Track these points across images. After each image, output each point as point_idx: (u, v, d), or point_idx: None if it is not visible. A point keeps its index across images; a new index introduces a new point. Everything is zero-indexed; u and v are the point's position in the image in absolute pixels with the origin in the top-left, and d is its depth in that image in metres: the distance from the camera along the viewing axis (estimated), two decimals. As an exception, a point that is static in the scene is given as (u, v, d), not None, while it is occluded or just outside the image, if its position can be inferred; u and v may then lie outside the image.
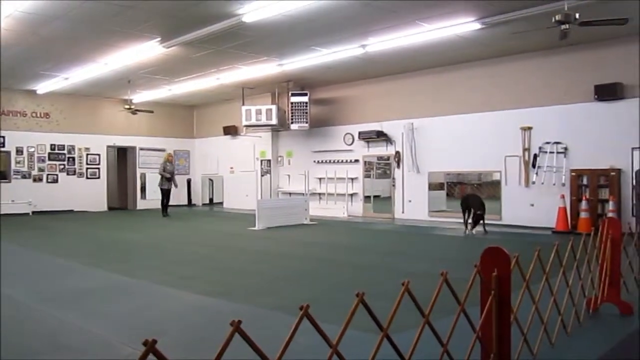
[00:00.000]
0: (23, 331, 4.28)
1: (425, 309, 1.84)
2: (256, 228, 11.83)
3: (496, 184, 12.24)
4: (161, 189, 15.85)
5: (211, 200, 19.99)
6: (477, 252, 2.30)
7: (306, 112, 15.40)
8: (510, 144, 11.77)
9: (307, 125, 15.49)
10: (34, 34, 10.00)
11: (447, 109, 12.95)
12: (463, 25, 9.44)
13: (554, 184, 11.07)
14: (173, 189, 16.02)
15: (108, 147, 18.37)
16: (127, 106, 15.91)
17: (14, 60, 12.15)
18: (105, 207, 18.10)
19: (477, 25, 9.33)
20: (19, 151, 16.46)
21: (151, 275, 6.58)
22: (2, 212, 15.64)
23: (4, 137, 16.08)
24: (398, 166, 14.06)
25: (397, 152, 14.03)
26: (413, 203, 13.74)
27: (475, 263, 2.20)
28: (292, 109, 15.46)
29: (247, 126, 16.22)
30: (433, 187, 13.48)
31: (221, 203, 19.19)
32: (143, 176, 18.75)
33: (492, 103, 12.14)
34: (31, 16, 8.88)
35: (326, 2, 8.24)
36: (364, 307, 1.48)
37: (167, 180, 15.69)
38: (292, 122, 15.54)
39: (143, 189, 18.87)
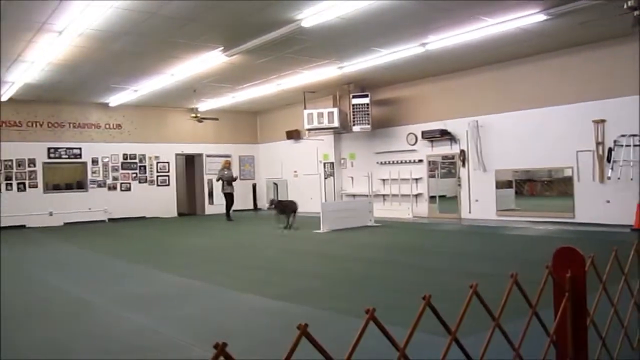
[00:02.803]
0: (97, 333, 4.48)
1: (494, 311, 1.79)
2: (321, 231, 11.89)
3: (567, 181, 11.75)
4: (224, 194, 16.30)
5: (276, 204, 20.24)
6: (548, 253, 2.21)
7: (368, 114, 15.36)
8: (581, 138, 11.26)
9: (369, 126, 15.44)
10: (105, 50, 10.49)
11: (513, 104, 12.56)
12: (527, 18, 9.13)
13: (632, 179, 10.50)
14: (236, 193, 16.37)
15: (176, 154, 19.01)
16: (193, 115, 16.40)
17: (87, 76, 12.81)
18: (175, 213, 18.72)
19: (542, 17, 9.00)
20: (95, 161, 17.29)
21: (218, 279, 6.74)
22: (80, 220, 16.49)
23: (80, 148, 16.94)
24: (463, 165, 13.77)
25: (462, 151, 13.74)
26: (480, 202, 13.40)
27: (547, 264, 2.11)
28: (353, 111, 15.45)
29: (309, 130, 16.35)
30: (500, 185, 13.09)
31: (286, 207, 19.38)
32: (210, 182, 19.25)
33: (560, 96, 11.67)
34: (101, 33, 9.32)
35: (383, 3, 8.19)
36: (430, 310, 1.45)
37: (228, 184, 16.09)
38: (354, 124, 15.53)
39: (210, 194, 19.39)
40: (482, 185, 13.34)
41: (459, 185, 13.88)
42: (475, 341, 1.83)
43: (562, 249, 2.15)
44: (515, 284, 1.79)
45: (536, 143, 12.08)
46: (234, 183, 16.40)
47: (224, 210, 16.40)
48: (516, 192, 12.98)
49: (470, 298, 1.60)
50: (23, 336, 4.52)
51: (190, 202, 20.04)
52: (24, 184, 16.06)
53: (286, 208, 13.15)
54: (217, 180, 16.57)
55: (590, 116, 11.13)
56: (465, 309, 1.58)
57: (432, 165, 14.81)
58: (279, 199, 14.40)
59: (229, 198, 16.26)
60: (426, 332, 2.09)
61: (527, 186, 12.93)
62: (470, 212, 13.63)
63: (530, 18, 9.12)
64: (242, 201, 19.96)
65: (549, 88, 11.87)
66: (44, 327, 4.82)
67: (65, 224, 16.33)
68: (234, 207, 16.44)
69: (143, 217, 17.74)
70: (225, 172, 16.35)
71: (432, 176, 14.81)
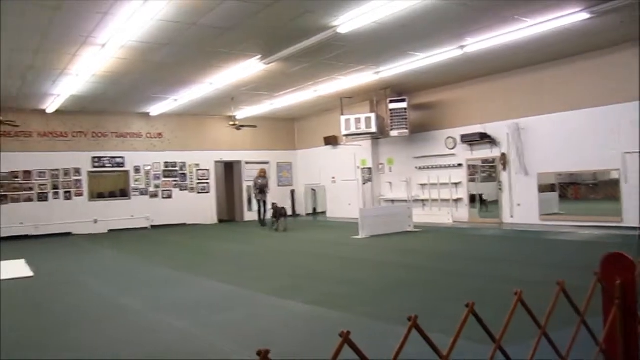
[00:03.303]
0: (143, 339, 4.56)
1: (539, 319, 1.74)
2: (360, 237, 11.85)
3: (614, 184, 11.37)
4: (257, 201, 16.70)
5: (314, 210, 20.31)
6: (594, 258, 2.15)
7: (405, 118, 15.26)
8: (628, 139, 10.89)
9: (407, 131, 15.34)
10: (146, 61, 10.74)
11: (554, 106, 12.27)
12: (568, 17, 8.92)
13: (682, 181, 10.10)
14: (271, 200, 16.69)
15: (216, 162, 19.28)
16: (232, 122, 16.61)
17: (129, 87, 13.14)
18: (215, 220, 18.96)
19: (585, 15, 8.77)
20: (137, 170, 17.70)
21: (258, 284, 6.79)
22: (123, 227, 16.90)
23: (123, 157, 17.37)
24: (504, 168, 13.51)
25: (503, 154, 13.49)
26: (522, 206, 13.12)
27: (595, 270, 2.05)
28: (391, 116, 15.38)
29: (347, 135, 16.35)
30: (543, 189, 12.79)
31: (324, 212, 19.43)
32: (249, 189, 19.44)
33: (606, 96, 11.32)
34: (143, 45, 9.55)
35: (419, 7, 8.13)
36: (474, 318, 1.42)
37: (261, 192, 16.45)
38: (391, 129, 15.46)
39: (249, 201, 19.57)
40: (524, 189, 13.05)
41: (500, 189, 13.63)
42: (520, 350, 1.78)
43: (610, 255, 2.08)
44: (563, 291, 1.74)
45: (580, 145, 11.76)
46: (267, 191, 16.69)
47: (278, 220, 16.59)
48: (560, 196, 12.65)
49: (515, 305, 1.56)
50: (67, 339, 4.64)
51: (229, 209, 20.28)
52: (69, 192, 16.56)
53: (276, 212, 14.90)
54: (253, 186, 16.91)
55: (637, 117, 10.76)
56: (510, 316, 1.54)
57: (472, 169, 14.59)
58: (278, 205, 15.40)
59: (263, 205, 16.55)
60: (468, 339, 2.05)
61: (571, 189, 12.58)
62: (512, 216, 13.36)
63: (572, 17, 8.90)
64: (280, 207, 20.09)
65: (593, 88, 11.54)
66: (88, 330, 4.94)
67: (109, 231, 16.75)
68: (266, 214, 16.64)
69: (184, 224, 18.04)
70: (260, 181, 16.66)
71: (472, 180, 14.59)
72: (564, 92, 12.07)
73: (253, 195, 16.99)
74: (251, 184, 17.78)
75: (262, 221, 16.36)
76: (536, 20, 9.13)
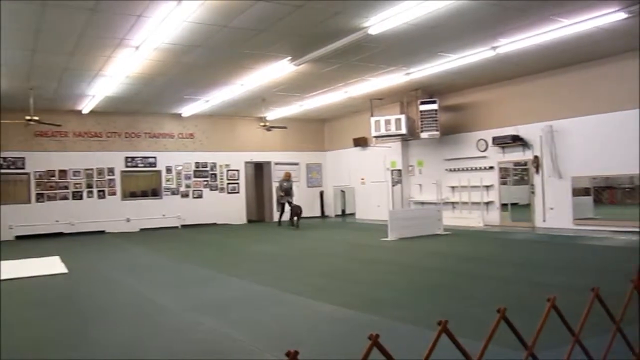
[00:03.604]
0: (175, 336, 4.62)
1: (573, 325, 1.70)
2: (389, 239, 11.78)
3: (652, 188, 11.06)
4: (281, 203, 17.16)
5: (343, 211, 20.28)
6: (630, 265, 2.09)
7: (436, 120, 15.13)
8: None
9: (437, 133, 15.21)
10: (178, 63, 10.89)
11: (589, 108, 12.00)
12: (605, 17, 8.72)
13: None
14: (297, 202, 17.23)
15: (246, 162, 19.43)
16: (262, 123, 16.72)
17: (162, 88, 13.35)
18: (244, 220, 19.11)
19: (622, 15, 8.56)
20: (168, 170, 17.96)
21: (287, 285, 6.81)
22: (155, 226, 17.18)
23: (155, 157, 17.66)
24: (537, 171, 13.27)
25: (536, 157, 13.25)
26: (555, 210, 12.86)
27: (632, 277, 1.99)
28: (421, 118, 15.27)
29: (376, 137, 16.30)
30: (577, 192, 12.52)
31: (353, 214, 19.40)
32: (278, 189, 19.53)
33: (643, 99, 11.02)
34: (175, 47, 9.69)
35: (452, 7, 8.06)
36: (506, 323, 1.40)
37: (286, 194, 16.94)
38: (422, 131, 15.35)
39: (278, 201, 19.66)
40: (557, 193, 12.80)
41: (533, 192, 13.39)
42: (552, 356, 1.75)
43: (648, 261, 2.02)
44: (597, 298, 1.70)
45: (617, 148, 11.46)
46: (292, 193, 17.13)
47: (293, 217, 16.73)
48: (594, 200, 12.36)
49: (549, 311, 1.53)
50: (101, 335, 4.73)
51: (259, 209, 20.41)
52: (103, 191, 16.89)
53: (292, 211, 16.11)
54: (279, 189, 17.37)
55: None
56: (542, 322, 1.51)
57: (504, 172, 14.38)
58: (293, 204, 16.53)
59: (284, 207, 17.04)
60: (500, 345, 2.01)
61: (606, 194, 12.28)
62: (544, 220, 13.11)
63: (609, 17, 8.70)
64: (309, 208, 20.18)
65: (629, 90, 11.23)
66: (122, 327, 5.03)
67: (141, 229, 17.04)
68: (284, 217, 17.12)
69: (214, 224, 18.23)
70: (285, 184, 17.04)
71: (504, 183, 14.38)
72: (601, 94, 11.79)
73: (277, 197, 17.54)
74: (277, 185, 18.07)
75: (280, 222, 16.91)
76: (572, 20, 8.95)
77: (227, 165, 18.94)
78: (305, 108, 16.98)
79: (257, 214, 20.30)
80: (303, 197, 20.04)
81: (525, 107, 13.48)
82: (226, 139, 18.89)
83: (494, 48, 10.49)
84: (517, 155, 13.84)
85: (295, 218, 16.01)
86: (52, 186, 16.17)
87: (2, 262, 10.22)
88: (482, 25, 9.12)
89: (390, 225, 11.96)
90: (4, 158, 15.52)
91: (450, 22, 8.81)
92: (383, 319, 4.89)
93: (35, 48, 9.50)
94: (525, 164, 13.69)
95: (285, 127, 17.88)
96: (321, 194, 20.65)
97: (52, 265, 9.42)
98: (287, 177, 17.27)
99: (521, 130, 13.56)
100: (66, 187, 16.36)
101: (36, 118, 13.20)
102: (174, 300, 6.13)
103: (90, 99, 14.44)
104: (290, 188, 17.12)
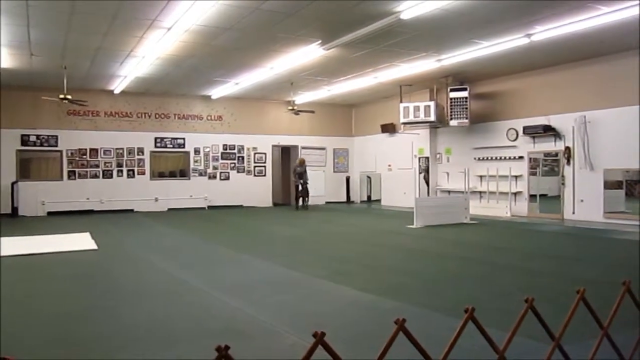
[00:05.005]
0: (200, 314, 4.70)
1: (601, 319, 1.68)
2: (414, 226, 11.74)
3: (688, 182, 10.76)
4: (295, 186, 17.94)
5: (369, 197, 20.25)
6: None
7: (466, 108, 14.94)
8: None
9: (467, 121, 15.02)
10: (208, 45, 10.94)
11: (626, 99, 11.68)
12: (646, 5, 8.45)
13: None
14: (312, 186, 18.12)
15: (273, 146, 19.50)
16: (290, 107, 16.74)
17: (192, 70, 13.44)
18: (270, 203, 19.24)
19: (665, 4, 8.29)
20: (197, 151, 18.14)
21: (311, 269, 6.85)
22: (182, 207, 17.42)
23: (184, 138, 17.85)
24: (568, 163, 13.03)
25: (567, 148, 13.00)
26: (585, 203, 12.63)
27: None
28: (451, 105, 15.10)
29: (405, 123, 16.18)
30: (609, 185, 12.25)
31: (379, 200, 19.36)
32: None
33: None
34: (206, 29, 9.73)
35: (488, -8, 7.91)
36: (532, 314, 1.39)
37: (300, 178, 17.63)
38: (451, 119, 15.18)
39: (304, 186, 19.76)
40: (588, 185, 12.56)
41: (563, 184, 13.16)
42: (578, 349, 1.73)
43: (682, 257, 1.98)
44: (628, 292, 1.67)
45: (652, 141, 11.17)
46: (305, 177, 17.72)
47: (316, 202, 17.03)
48: (626, 194, 12.09)
49: (577, 304, 1.51)
50: (129, 312, 4.84)
51: (284, 193, 20.51)
52: (133, 171, 17.16)
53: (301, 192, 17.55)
54: (293, 173, 18.09)
55: None
56: (571, 315, 1.49)
57: (534, 163, 14.15)
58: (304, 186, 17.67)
59: (298, 190, 17.83)
60: (525, 336, 2.00)
61: (639, 187, 12.00)
62: (574, 212, 12.90)
63: (650, 5, 8.43)
64: (335, 194, 20.24)
65: (668, 81, 10.92)
66: (149, 304, 5.14)
67: (169, 209, 17.29)
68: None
69: (240, 206, 18.40)
70: (298, 168, 17.67)
71: (533, 174, 14.16)
72: (636, 85, 11.46)
73: (292, 181, 18.29)
74: (316, 168, 19.03)
75: (297, 204, 17.67)
76: (611, 7, 8.70)
77: (254, 148, 19.04)
78: (333, 93, 16.93)
79: (283, 197, 20.40)
80: (329, 182, 20.08)
81: (558, 97, 13.21)
82: (254, 122, 18.97)
83: (528, 35, 10.28)
84: (548, 145, 13.59)
85: (306, 199, 17.49)
86: (83, 164, 16.50)
87: (35, 236, 10.51)
88: (516, 11, 8.93)
89: (417, 213, 11.90)
90: (37, 135, 15.87)
91: (484, 8, 8.65)
92: (406, 305, 4.89)
93: (70, 27, 9.64)
94: (556, 154, 13.45)
95: (313, 112, 17.86)
96: (347, 179, 20.63)
97: (82, 241, 9.64)
98: (301, 163, 17.91)
99: (553, 120, 13.30)
100: (97, 166, 16.67)
101: (69, 96, 13.43)
102: (199, 279, 6.23)
103: (122, 79, 14.64)
104: (304, 172, 17.64)
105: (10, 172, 15.46)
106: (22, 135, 15.70)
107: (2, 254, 8.06)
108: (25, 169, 15.95)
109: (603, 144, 12.21)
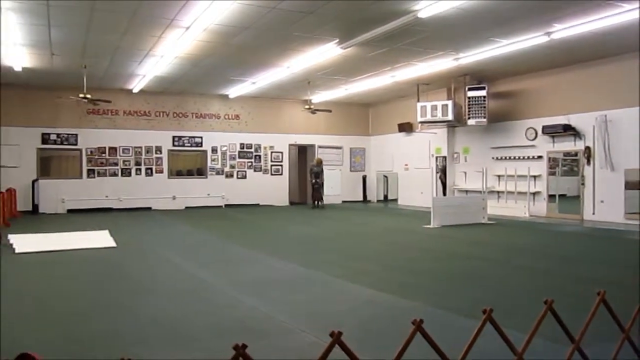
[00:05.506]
0: (217, 313, 4.73)
1: (622, 321, 1.65)
2: (431, 226, 11.68)
3: None
4: (312, 185, 18.14)
5: (386, 196, 20.19)
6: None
7: (484, 107, 14.81)
8: None
9: (485, 120, 14.90)
10: (226, 44, 10.98)
11: (648, 98, 11.50)
12: (670, 3, 8.30)
13: None
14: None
15: (290, 145, 19.53)
16: (307, 106, 16.74)
17: (210, 69, 13.51)
18: (287, 202, 19.27)
19: (688, 1, 8.14)
20: (214, 150, 18.24)
21: (328, 268, 6.85)
22: (199, 205, 17.53)
23: (201, 137, 17.96)
24: (588, 163, 12.86)
25: (587, 148, 12.83)
26: (606, 203, 12.46)
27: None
28: (469, 104, 14.98)
29: (422, 122, 16.10)
30: (630, 186, 12.06)
31: (395, 200, 19.29)
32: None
33: None
34: (224, 28, 9.77)
35: (507, -10, 7.83)
36: (552, 315, 1.37)
37: (316, 177, 17.84)
38: (469, 118, 15.07)
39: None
40: (608, 185, 12.38)
41: (583, 184, 12.99)
42: (598, 352, 1.71)
43: None
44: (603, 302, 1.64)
45: (674, 141, 10.97)
46: (322, 177, 17.92)
47: (333, 201, 16.99)
48: (648, 194, 11.90)
49: (598, 306, 1.49)
50: (146, 309, 4.88)
51: (301, 192, 20.53)
52: (151, 169, 17.31)
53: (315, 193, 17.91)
54: (310, 173, 18.29)
55: None
56: (591, 317, 1.47)
57: (553, 162, 13.99)
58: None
59: (314, 189, 18.04)
60: (544, 337, 1.98)
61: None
62: (594, 213, 12.72)
63: (673, 3, 8.28)
64: (351, 193, 20.21)
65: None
66: (166, 302, 5.18)
67: (186, 208, 17.41)
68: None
69: (257, 205, 18.46)
70: (315, 168, 17.83)
71: (553, 174, 14.00)
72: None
73: (309, 180, 18.46)
74: (332, 167, 19.08)
75: (314, 204, 17.87)
76: (633, 5, 8.56)
77: (271, 147, 19.09)
78: (350, 92, 16.90)
79: (300, 196, 20.42)
80: (345, 181, 20.06)
81: (578, 96, 13.03)
82: (271, 120, 19.02)
83: (548, 34, 10.15)
84: (567, 145, 13.43)
85: (316, 201, 17.76)
86: (102, 162, 16.68)
87: (55, 234, 10.64)
88: (536, 9, 8.82)
89: (434, 212, 11.84)
90: (58, 134, 16.08)
91: (503, 6, 8.57)
92: (425, 306, 4.86)
93: (90, 27, 9.75)
94: (576, 154, 13.28)
95: (330, 111, 17.84)
96: (364, 178, 20.59)
97: (101, 238, 9.74)
98: (319, 163, 18.04)
99: (573, 120, 13.14)
100: (115, 164, 16.84)
101: (89, 96, 13.58)
102: (217, 278, 6.26)
103: (141, 79, 14.76)
104: (321, 172, 17.82)
105: (31, 170, 15.69)
106: (43, 134, 15.92)
107: (23, 251, 8.19)
108: (46, 167, 16.18)
109: (624, 144, 12.03)
